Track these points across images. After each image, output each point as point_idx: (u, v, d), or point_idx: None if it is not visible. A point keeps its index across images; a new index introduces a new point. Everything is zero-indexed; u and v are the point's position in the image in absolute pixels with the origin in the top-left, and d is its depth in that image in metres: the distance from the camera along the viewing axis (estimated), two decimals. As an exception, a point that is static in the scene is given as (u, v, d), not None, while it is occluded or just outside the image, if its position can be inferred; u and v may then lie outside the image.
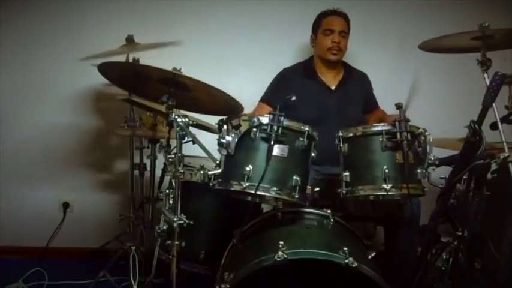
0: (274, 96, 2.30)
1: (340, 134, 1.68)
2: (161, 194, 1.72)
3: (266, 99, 2.34)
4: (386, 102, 2.42)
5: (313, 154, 1.64)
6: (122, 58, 2.25)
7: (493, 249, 1.76)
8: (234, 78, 2.64)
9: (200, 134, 1.66)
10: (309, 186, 1.68)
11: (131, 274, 2.14)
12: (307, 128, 1.56)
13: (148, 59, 2.26)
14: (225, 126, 1.57)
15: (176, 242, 1.58)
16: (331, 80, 2.36)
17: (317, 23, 2.37)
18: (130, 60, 2.32)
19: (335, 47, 2.28)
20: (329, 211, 1.74)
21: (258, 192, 1.49)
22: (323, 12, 2.36)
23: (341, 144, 1.68)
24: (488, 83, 1.44)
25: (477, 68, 1.68)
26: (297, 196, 1.55)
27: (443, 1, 2.76)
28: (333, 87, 2.35)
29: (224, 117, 1.62)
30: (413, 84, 1.63)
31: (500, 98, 1.44)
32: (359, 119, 2.35)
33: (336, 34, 2.28)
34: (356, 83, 2.41)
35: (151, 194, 2.47)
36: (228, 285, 1.45)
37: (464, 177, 1.44)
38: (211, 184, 1.59)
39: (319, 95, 2.32)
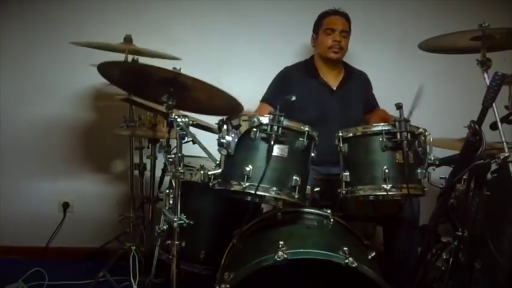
0: (275, 96, 2.29)
1: (340, 134, 1.68)
2: (161, 194, 1.72)
3: (268, 99, 2.34)
4: (386, 102, 2.42)
5: (313, 154, 1.64)
6: (120, 55, 2.25)
7: (493, 249, 1.76)
8: (233, 78, 2.64)
9: (200, 134, 1.66)
10: (308, 187, 1.68)
11: (131, 274, 2.14)
12: (307, 128, 1.56)
13: (148, 59, 2.26)
14: (225, 126, 1.58)
15: (176, 242, 1.58)
16: (332, 80, 2.36)
17: (318, 23, 2.37)
18: (129, 59, 2.31)
19: (336, 45, 2.29)
20: (329, 211, 1.74)
21: (258, 192, 1.49)
22: (324, 12, 2.36)
23: (341, 144, 1.68)
24: (488, 83, 1.44)
25: (477, 68, 1.68)
26: (296, 196, 1.55)
27: (443, 1, 2.76)
28: (334, 88, 2.35)
29: (224, 117, 1.62)
30: (416, 97, 1.63)
31: (500, 98, 1.44)
32: (360, 119, 2.35)
33: (337, 33, 2.29)
34: (357, 83, 2.41)
35: (151, 194, 2.47)
36: (228, 285, 1.45)
37: (464, 177, 1.44)
38: (211, 184, 1.59)
39: (321, 95, 2.32)
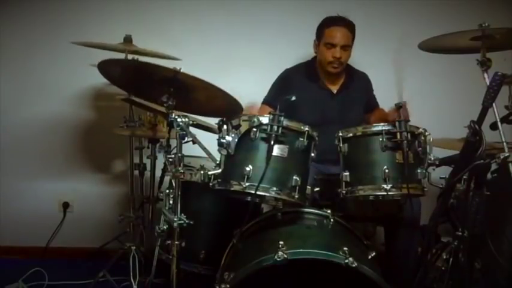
0: (277, 98, 2.24)
1: (340, 134, 1.68)
2: (161, 194, 1.72)
3: (269, 101, 2.33)
4: (386, 102, 2.42)
5: (313, 154, 1.64)
6: (120, 55, 2.25)
7: (493, 249, 1.76)
8: (233, 78, 2.63)
9: (200, 134, 1.66)
10: (308, 187, 1.68)
11: (131, 274, 2.14)
12: (307, 128, 1.57)
13: (148, 59, 2.27)
14: (225, 126, 1.58)
15: (176, 242, 1.58)
16: (332, 83, 2.35)
17: (320, 31, 2.29)
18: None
19: (336, 61, 2.23)
20: (329, 211, 1.74)
21: (258, 192, 1.49)
22: (327, 21, 2.27)
23: (341, 144, 1.68)
24: (488, 83, 1.44)
25: (477, 68, 1.68)
26: (296, 196, 1.55)
27: (443, 1, 2.76)
28: (334, 91, 2.33)
29: (224, 117, 1.62)
30: None
31: (500, 98, 1.44)
32: (360, 121, 2.33)
33: (338, 49, 2.21)
34: (358, 85, 2.39)
35: (151, 194, 2.47)
36: (228, 285, 1.45)
37: (464, 177, 1.44)
38: (211, 184, 1.59)
39: (321, 99, 2.31)
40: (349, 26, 2.25)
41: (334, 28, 2.23)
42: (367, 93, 2.46)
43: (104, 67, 1.66)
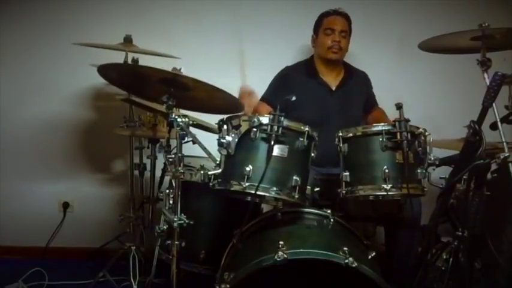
0: (275, 95, 2.29)
1: (340, 134, 1.68)
2: (161, 194, 1.72)
3: (267, 98, 2.33)
4: (386, 102, 2.42)
5: (313, 154, 1.64)
6: (120, 54, 2.25)
7: (493, 249, 1.76)
8: (233, 78, 2.64)
9: (200, 134, 1.66)
10: (308, 187, 1.68)
11: (131, 274, 2.14)
12: (307, 128, 1.56)
13: (148, 58, 2.27)
14: (225, 126, 1.58)
15: (176, 242, 1.58)
16: (332, 80, 2.36)
17: (318, 23, 2.37)
18: (129, 59, 2.32)
19: (335, 45, 2.28)
20: (329, 211, 1.74)
21: (258, 192, 1.49)
22: (325, 12, 2.36)
23: (341, 144, 1.68)
24: (488, 83, 1.44)
25: (477, 68, 1.68)
26: (296, 196, 1.55)
27: (443, 1, 2.76)
28: (334, 88, 2.34)
29: (224, 117, 1.62)
30: None
31: (500, 98, 1.44)
32: (360, 119, 2.35)
33: (337, 33, 2.29)
34: (357, 83, 2.41)
35: (151, 194, 2.47)
36: (228, 285, 1.45)
37: (464, 177, 1.44)
38: (211, 184, 1.59)
39: (321, 95, 2.31)
40: (346, 17, 2.35)
41: (332, 17, 2.33)
42: (366, 91, 2.47)
43: (103, 70, 1.67)
